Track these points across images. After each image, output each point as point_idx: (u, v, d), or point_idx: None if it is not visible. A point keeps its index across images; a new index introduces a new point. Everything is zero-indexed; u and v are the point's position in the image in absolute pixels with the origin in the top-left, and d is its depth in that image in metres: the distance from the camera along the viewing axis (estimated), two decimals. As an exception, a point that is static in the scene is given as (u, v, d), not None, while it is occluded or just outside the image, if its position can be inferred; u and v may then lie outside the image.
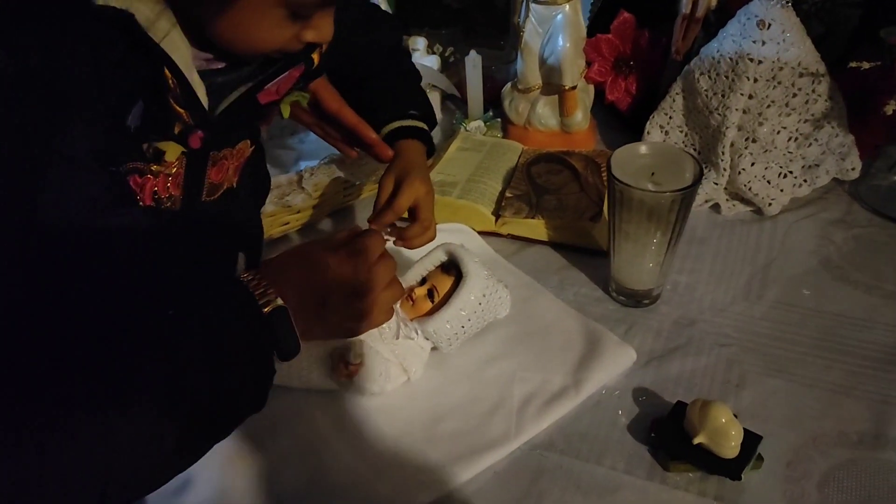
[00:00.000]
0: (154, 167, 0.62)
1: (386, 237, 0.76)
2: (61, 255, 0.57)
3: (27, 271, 0.54)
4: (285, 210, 0.96)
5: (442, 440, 0.72)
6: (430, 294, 0.78)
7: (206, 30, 0.59)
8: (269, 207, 0.94)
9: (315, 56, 0.71)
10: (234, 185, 0.74)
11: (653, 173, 0.81)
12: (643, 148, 0.83)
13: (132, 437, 0.50)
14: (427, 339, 0.77)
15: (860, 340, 0.82)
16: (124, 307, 0.59)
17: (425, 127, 0.89)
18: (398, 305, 0.77)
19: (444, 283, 0.78)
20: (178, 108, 0.60)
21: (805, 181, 1.02)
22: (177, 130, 0.62)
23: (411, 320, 0.77)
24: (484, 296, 0.77)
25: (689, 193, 0.78)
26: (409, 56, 0.99)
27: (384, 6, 1.13)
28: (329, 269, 0.63)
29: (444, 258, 0.79)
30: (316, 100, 0.83)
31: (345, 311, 0.65)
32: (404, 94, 0.91)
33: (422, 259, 0.80)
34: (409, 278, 0.79)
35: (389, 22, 0.95)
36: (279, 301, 0.59)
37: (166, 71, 0.58)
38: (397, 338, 0.76)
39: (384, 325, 0.74)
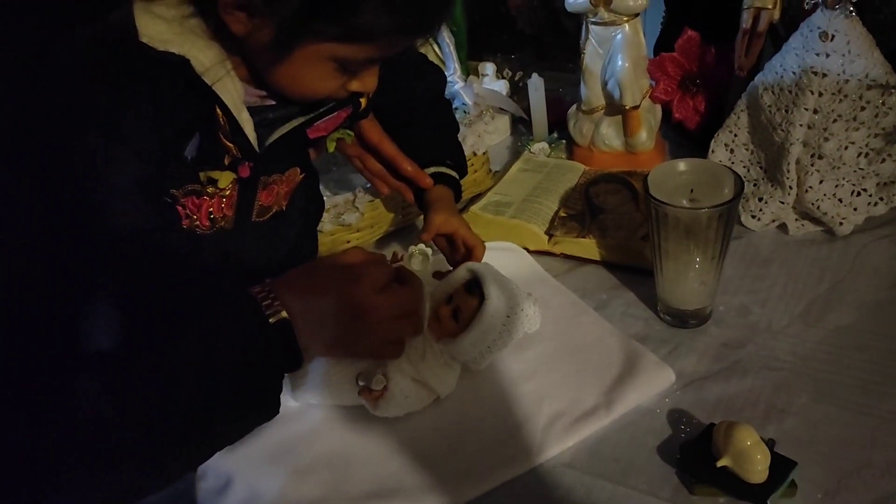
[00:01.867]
0: (210, 190, 0.68)
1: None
2: (98, 273, 0.62)
3: (58, 283, 0.58)
4: (344, 229, 1.00)
5: (465, 453, 0.73)
6: (455, 314, 0.78)
7: (262, 74, 0.66)
8: (327, 226, 0.98)
9: (363, 101, 0.76)
10: (284, 207, 0.80)
11: (691, 190, 0.79)
12: (682, 165, 0.82)
13: (134, 440, 0.55)
14: (453, 359, 0.78)
15: (924, 369, 0.76)
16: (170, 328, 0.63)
17: (457, 177, 0.93)
18: (426, 326, 0.78)
19: (469, 304, 0.78)
20: (226, 142, 0.67)
21: (881, 199, 0.96)
22: (227, 162, 0.68)
23: (437, 341, 0.78)
24: (507, 316, 0.77)
25: (726, 209, 0.76)
26: (451, 106, 1.02)
27: (448, 42, 1.17)
28: (332, 287, 0.65)
29: (467, 276, 0.80)
30: (358, 131, 0.87)
31: (343, 329, 0.66)
32: (441, 143, 0.95)
33: (447, 278, 0.81)
34: (435, 296, 0.80)
35: (435, 72, 1.00)
36: (284, 314, 0.61)
37: (217, 109, 0.65)
38: (424, 359, 0.77)
39: (411, 349, 0.75)
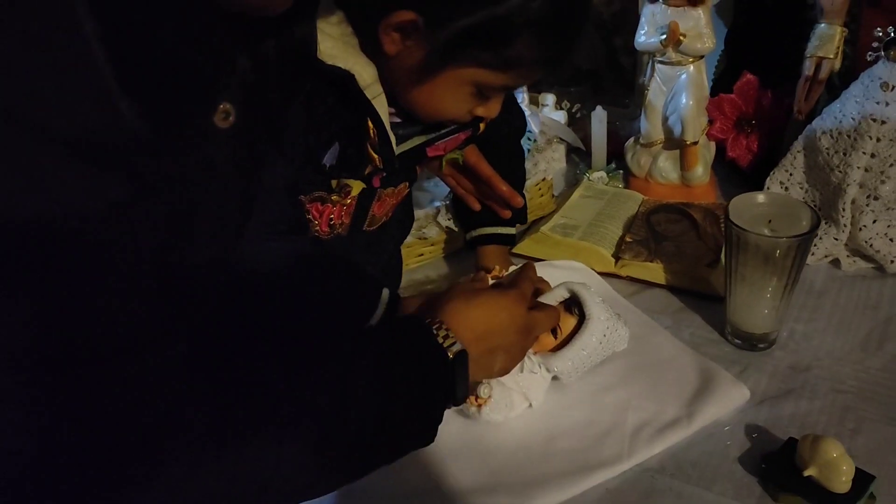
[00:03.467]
0: (335, 197, 0.73)
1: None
2: (236, 277, 0.62)
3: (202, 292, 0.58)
4: (421, 242, 1.05)
5: (557, 456, 0.77)
6: (553, 330, 0.82)
7: (397, 92, 0.71)
8: (407, 239, 1.03)
9: (482, 125, 0.82)
10: (389, 217, 0.85)
11: (770, 221, 0.85)
12: (761, 197, 0.88)
13: (291, 459, 0.51)
14: (549, 372, 0.82)
15: (984, 397, 0.82)
16: (287, 331, 0.63)
17: (514, 233, 1.02)
18: None
19: (568, 322, 0.82)
20: (373, 153, 0.72)
21: (929, 240, 1.02)
22: (366, 171, 0.73)
23: (534, 354, 0.82)
24: (605, 336, 0.81)
25: (804, 240, 0.81)
26: (524, 154, 1.08)
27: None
28: (505, 311, 0.67)
29: (566, 295, 0.85)
30: None
31: (508, 351, 0.68)
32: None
33: (545, 296, 0.85)
34: None
35: (521, 116, 1.05)
36: (459, 346, 0.61)
37: (369, 122, 0.70)
38: (522, 371, 0.81)
39: None
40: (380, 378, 0.56)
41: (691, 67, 1.14)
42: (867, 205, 1.02)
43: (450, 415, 0.82)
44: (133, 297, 0.45)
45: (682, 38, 1.09)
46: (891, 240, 1.02)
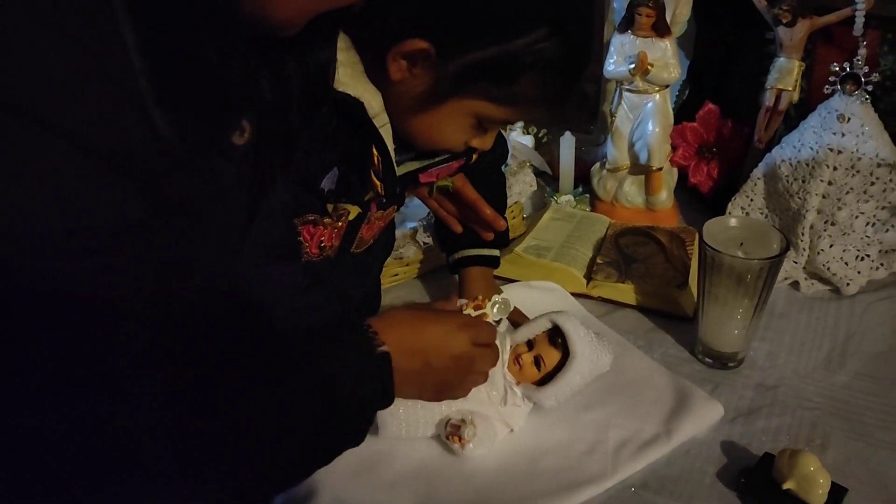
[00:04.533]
0: (328, 220, 0.73)
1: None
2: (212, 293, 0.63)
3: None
4: (397, 262, 1.05)
5: (542, 475, 0.78)
6: (537, 362, 0.84)
7: (395, 119, 0.71)
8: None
9: (475, 156, 0.84)
10: (374, 239, 0.85)
11: (741, 244, 0.89)
12: (733, 221, 0.92)
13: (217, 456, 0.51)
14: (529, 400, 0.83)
15: (942, 414, 0.86)
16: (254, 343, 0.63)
17: (498, 254, 1.02)
18: (506, 368, 0.83)
19: (552, 356, 0.84)
20: (376, 180, 0.72)
21: (882, 265, 1.08)
22: (367, 197, 0.73)
23: (518, 385, 0.83)
24: (589, 371, 0.83)
25: (776, 262, 0.85)
26: (505, 180, 1.08)
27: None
28: (441, 334, 0.68)
29: (549, 326, 0.86)
30: None
31: (442, 376, 0.69)
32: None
33: (528, 324, 0.87)
34: (517, 339, 0.86)
35: (502, 143, 1.05)
36: (385, 347, 0.61)
37: (374, 150, 0.70)
38: (504, 404, 0.82)
39: (493, 391, 0.81)
40: (309, 369, 0.57)
41: (657, 96, 1.18)
42: (825, 230, 1.07)
43: (431, 438, 0.83)
44: (125, 321, 0.45)
45: (650, 67, 1.13)
46: (846, 263, 1.07)
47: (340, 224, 0.75)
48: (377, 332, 0.62)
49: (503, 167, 1.19)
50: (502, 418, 0.82)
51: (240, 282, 0.64)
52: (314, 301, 0.75)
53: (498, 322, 0.82)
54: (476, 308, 0.82)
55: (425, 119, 0.69)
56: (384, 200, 0.76)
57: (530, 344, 0.86)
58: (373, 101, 0.67)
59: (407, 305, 0.70)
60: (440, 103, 0.67)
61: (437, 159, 0.79)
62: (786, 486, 0.72)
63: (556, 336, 0.85)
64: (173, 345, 0.49)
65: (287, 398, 0.55)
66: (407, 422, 0.79)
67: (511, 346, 0.85)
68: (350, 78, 0.65)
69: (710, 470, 0.79)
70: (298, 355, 0.58)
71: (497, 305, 0.84)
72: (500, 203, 1.04)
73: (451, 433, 0.79)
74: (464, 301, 0.83)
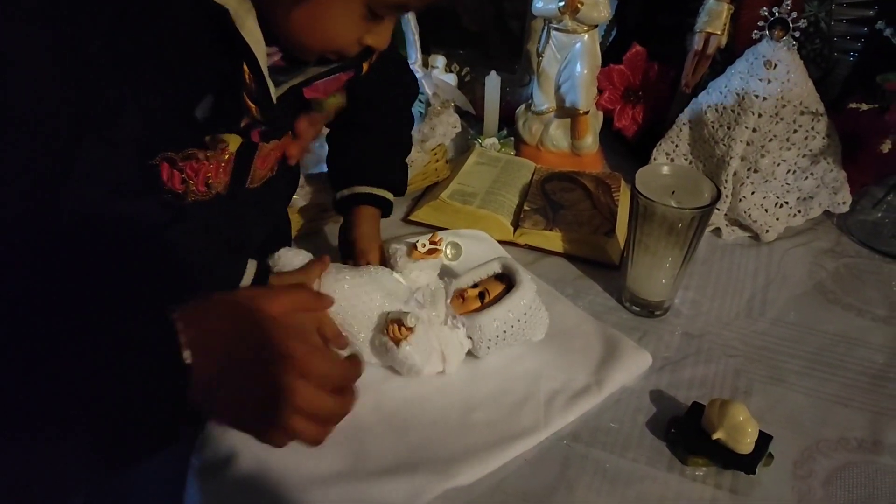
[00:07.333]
0: (209, 154, 0.66)
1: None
2: (72, 236, 0.59)
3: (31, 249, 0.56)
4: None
5: (475, 427, 0.76)
6: (482, 296, 0.82)
7: (278, 21, 0.62)
8: (300, 203, 0.98)
9: (365, 65, 0.76)
10: (275, 172, 0.79)
11: (673, 192, 0.87)
12: (665, 169, 0.90)
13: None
14: (469, 338, 0.81)
15: (854, 357, 0.89)
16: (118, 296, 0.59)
17: (391, 199, 0.96)
18: (448, 301, 0.81)
19: (496, 288, 0.82)
20: (250, 103, 0.64)
21: (799, 212, 1.10)
22: (243, 124, 0.66)
23: (460, 314, 0.81)
24: (531, 307, 0.81)
25: (707, 212, 0.84)
26: (412, 123, 1.02)
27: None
28: (250, 338, 0.56)
29: (498, 270, 0.84)
30: None
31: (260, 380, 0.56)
32: (388, 165, 0.97)
33: (476, 268, 0.84)
34: (463, 282, 0.83)
35: (412, 83, 1.01)
36: (188, 358, 0.52)
37: (245, 67, 0.62)
38: (445, 323, 0.80)
39: (434, 312, 0.79)
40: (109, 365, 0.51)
41: (586, 36, 1.15)
42: (748, 177, 1.07)
43: (364, 391, 0.79)
44: None
45: (579, 5, 1.09)
46: (766, 210, 1.08)
47: (227, 157, 0.68)
48: (181, 331, 0.53)
49: (421, 104, 1.14)
50: (439, 344, 0.79)
51: (84, 218, 0.59)
52: (177, 238, 0.68)
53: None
54: (431, 243, 0.79)
55: (309, 11, 0.61)
56: (265, 128, 0.68)
57: (476, 286, 0.84)
58: (240, 9, 0.59)
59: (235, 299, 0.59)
60: None
61: (322, 70, 0.71)
62: (715, 437, 0.72)
63: (502, 277, 0.84)
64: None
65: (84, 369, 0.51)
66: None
67: (456, 290, 0.82)
68: None
69: (639, 420, 0.79)
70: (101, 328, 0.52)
71: (451, 247, 0.81)
72: (404, 145, 0.99)
73: (391, 324, 0.76)
74: (414, 241, 0.81)
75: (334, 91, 0.78)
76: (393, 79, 0.95)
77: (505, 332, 0.80)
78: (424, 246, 0.81)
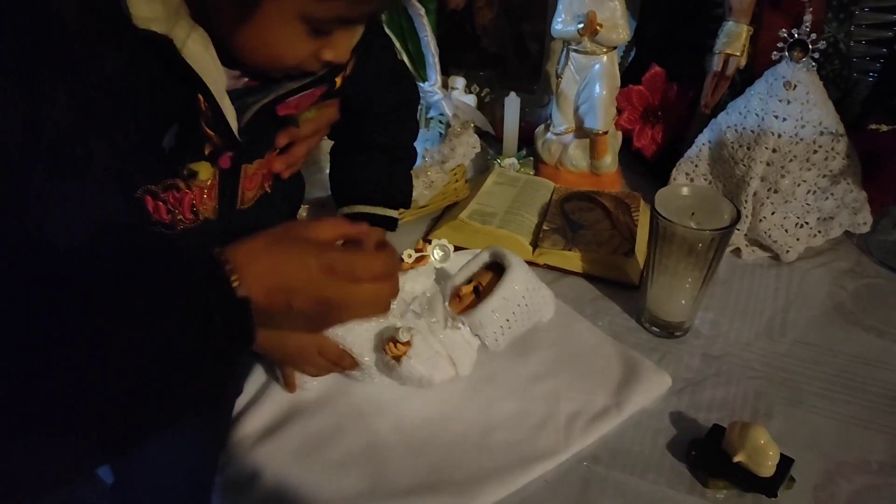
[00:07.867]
0: (189, 182, 0.66)
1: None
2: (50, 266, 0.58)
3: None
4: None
5: (495, 448, 0.76)
6: (476, 290, 0.80)
7: (228, 44, 0.62)
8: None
9: (338, 80, 0.75)
10: (269, 189, 0.79)
11: (692, 213, 0.88)
12: (685, 190, 0.90)
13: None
14: (475, 336, 0.80)
15: (875, 379, 0.88)
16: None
17: (397, 217, 0.95)
18: (446, 303, 0.80)
19: (488, 279, 0.81)
20: (208, 131, 0.65)
21: (819, 232, 1.09)
22: (207, 152, 0.66)
23: (459, 313, 0.80)
24: (528, 289, 0.80)
25: (727, 233, 0.85)
26: (417, 128, 1.00)
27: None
28: (302, 275, 0.58)
29: (488, 259, 0.83)
30: None
31: (305, 321, 0.61)
32: (392, 183, 0.95)
33: (468, 263, 0.84)
34: (457, 280, 0.82)
35: (411, 86, 0.98)
36: (243, 290, 0.54)
37: (200, 96, 0.62)
38: (445, 326, 0.79)
39: (433, 318, 0.78)
40: (164, 317, 0.53)
41: (605, 58, 1.16)
42: (767, 197, 1.07)
43: (383, 411, 0.80)
44: None
45: (599, 27, 1.10)
46: (786, 231, 1.08)
47: (209, 183, 0.68)
48: (234, 269, 0.55)
49: (441, 125, 1.15)
50: (445, 350, 0.79)
51: (85, 257, 0.60)
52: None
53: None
54: (417, 251, 0.79)
55: (249, 31, 0.60)
56: (230, 155, 0.68)
57: (470, 281, 0.83)
58: (180, 32, 0.58)
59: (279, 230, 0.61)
60: (254, 8, 0.58)
61: (293, 86, 0.70)
62: (736, 459, 0.72)
63: (493, 265, 0.83)
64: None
65: (139, 348, 0.51)
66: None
67: (452, 288, 0.82)
68: (160, 13, 0.57)
69: (660, 442, 0.79)
70: (150, 305, 0.53)
71: (438, 249, 0.81)
72: (405, 150, 0.96)
73: (387, 342, 0.76)
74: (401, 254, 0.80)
75: (308, 106, 0.77)
76: (389, 88, 0.92)
77: (508, 319, 0.79)
78: (411, 256, 0.80)
